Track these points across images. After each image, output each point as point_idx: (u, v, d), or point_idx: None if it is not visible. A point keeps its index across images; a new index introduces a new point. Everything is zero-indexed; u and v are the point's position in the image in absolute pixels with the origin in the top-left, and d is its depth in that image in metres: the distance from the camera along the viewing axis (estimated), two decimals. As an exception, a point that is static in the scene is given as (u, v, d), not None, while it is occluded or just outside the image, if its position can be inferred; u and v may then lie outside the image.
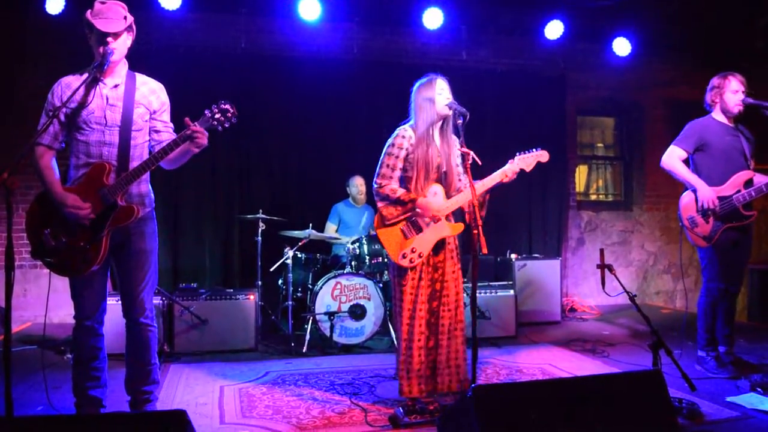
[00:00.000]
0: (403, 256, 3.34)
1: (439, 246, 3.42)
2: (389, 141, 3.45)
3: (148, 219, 3.05)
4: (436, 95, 3.39)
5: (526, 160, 3.44)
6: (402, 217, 3.37)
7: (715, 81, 4.20)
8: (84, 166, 2.88)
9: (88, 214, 2.80)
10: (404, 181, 3.44)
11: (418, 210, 3.35)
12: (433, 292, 3.40)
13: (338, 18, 6.36)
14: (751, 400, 3.50)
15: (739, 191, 3.99)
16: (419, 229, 3.37)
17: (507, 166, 3.41)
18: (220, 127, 2.91)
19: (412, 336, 3.34)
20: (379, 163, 3.45)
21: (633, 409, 2.60)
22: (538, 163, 3.46)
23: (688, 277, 5.21)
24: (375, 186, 3.43)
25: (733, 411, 3.37)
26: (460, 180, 3.52)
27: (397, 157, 3.40)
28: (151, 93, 3.04)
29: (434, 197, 3.39)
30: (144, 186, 3.03)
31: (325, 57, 6.51)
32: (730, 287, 4.11)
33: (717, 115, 4.19)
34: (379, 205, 3.42)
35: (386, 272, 5.25)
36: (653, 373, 2.74)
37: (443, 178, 3.43)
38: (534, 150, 3.46)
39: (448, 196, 3.43)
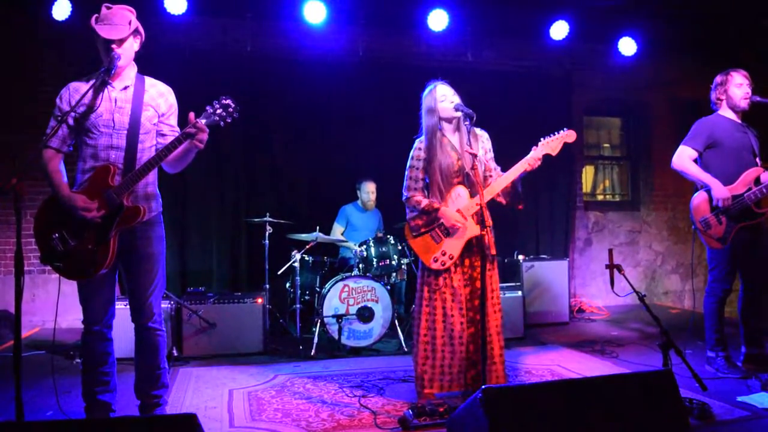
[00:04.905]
0: (435, 260, 3.41)
1: (474, 245, 3.43)
2: (410, 154, 3.56)
3: (156, 223, 3.05)
4: (438, 103, 3.46)
5: (550, 144, 3.41)
6: (428, 226, 3.45)
7: (718, 78, 4.18)
8: (91, 171, 2.89)
9: (97, 215, 2.81)
10: (429, 189, 3.52)
11: (441, 218, 3.41)
12: (473, 290, 3.42)
13: (343, 20, 6.36)
14: (762, 399, 3.48)
15: (750, 189, 3.93)
16: (447, 233, 3.42)
17: (530, 154, 3.40)
18: (222, 123, 2.93)
19: (452, 335, 3.38)
20: (405, 176, 3.55)
21: (644, 409, 2.59)
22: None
23: (697, 277, 5.17)
24: (404, 198, 3.54)
25: (744, 411, 3.34)
26: (491, 176, 3.53)
27: (417, 168, 3.52)
28: (160, 96, 3.05)
29: (458, 199, 3.42)
30: (151, 189, 3.03)
31: (330, 59, 6.51)
32: (754, 288, 4.05)
33: (724, 112, 4.15)
34: (408, 216, 3.52)
35: (394, 275, 5.26)
36: (664, 373, 2.72)
37: (466, 179, 3.44)
38: (559, 132, 3.43)
39: (475, 195, 3.42)
